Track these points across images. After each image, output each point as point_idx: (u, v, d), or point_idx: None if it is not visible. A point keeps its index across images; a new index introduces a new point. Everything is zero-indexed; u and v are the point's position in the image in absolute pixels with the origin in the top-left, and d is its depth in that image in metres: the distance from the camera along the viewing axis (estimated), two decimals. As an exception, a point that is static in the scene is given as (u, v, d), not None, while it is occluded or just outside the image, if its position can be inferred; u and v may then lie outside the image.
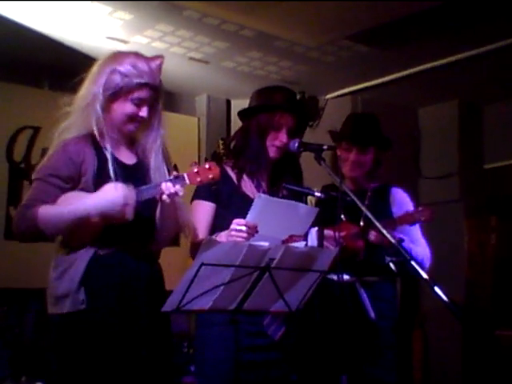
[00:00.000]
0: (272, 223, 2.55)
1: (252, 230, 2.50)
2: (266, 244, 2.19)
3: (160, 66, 2.50)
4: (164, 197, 2.37)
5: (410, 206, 3.31)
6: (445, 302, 2.13)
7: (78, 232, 2.36)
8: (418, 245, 3.25)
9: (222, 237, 2.57)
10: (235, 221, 2.53)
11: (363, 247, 3.08)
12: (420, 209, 3.07)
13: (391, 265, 2.95)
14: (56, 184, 2.39)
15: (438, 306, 2.22)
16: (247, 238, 2.49)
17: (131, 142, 2.59)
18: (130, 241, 2.43)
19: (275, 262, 2.18)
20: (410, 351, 5.39)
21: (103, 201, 2.31)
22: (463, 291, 5.37)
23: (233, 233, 2.51)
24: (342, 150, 3.30)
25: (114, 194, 2.31)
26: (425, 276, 2.27)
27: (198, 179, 2.40)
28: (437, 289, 2.16)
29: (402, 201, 3.33)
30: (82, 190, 2.40)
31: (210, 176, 2.41)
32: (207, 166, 2.41)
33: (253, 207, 2.54)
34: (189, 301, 2.13)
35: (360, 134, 3.28)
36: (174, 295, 2.12)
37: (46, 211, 2.34)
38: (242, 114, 2.90)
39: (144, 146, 2.56)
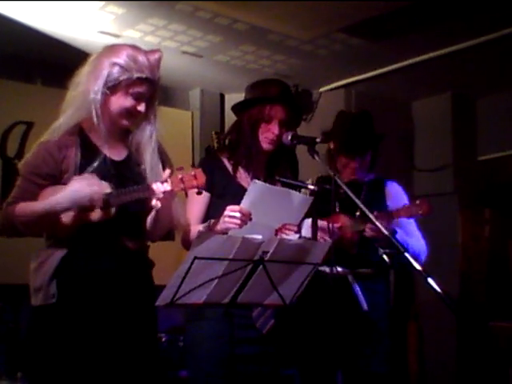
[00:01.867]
0: (266, 211, 2.55)
1: (246, 217, 2.50)
2: (259, 237, 2.19)
3: (159, 61, 2.48)
4: (154, 203, 2.37)
5: (405, 199, 3.32)
6: (438, 293, 2.14)
7: (55, 226, 2.35)
8: (414, 238, 3.25)
9: (215, 224, 2.57)
10: (229, 207, 2.52)
11: (357, 240, 3.08)
12: (418, 202, 3.04)
13: (385, 257, 2.95)
14: (36, 182, 2.42)
15: (432, 298, 2.22)
16: (240, 225, 2.49)
17: (123, 136, 2.57)
18: (112, 236, 2.41)
19: (269, 254, 2.18)
20: (405, 343, 5.40)
21: (69, 191, 2.30)
22: (457, 283, 5.39)
23: (226, 219, 2.51)
24: (341, 157, 3.31)
25: (77, 184, 2.31)
26: (418, 268, 2.28)
27: (182, 186, 2.36)
28: (430, 281, 2.16)
29: (397, 194, 3.34)
30: (66, 184, 2.37)
31: (195, 184, 2.36)
32: (193, 174, 2.37)
33: (247, 193, 2.54)
34: (182, 295, 2.13)
35: (357, 144, 3.27)
36: (168, 289, 2.12)
37: (20, 209, 2.38)
38: (234, 108, 2.91)
39: (139, 141, 2.54)
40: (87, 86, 2.42)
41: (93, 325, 2.37)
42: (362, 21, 4.19)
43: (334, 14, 4.12)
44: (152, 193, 2.35)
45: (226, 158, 2.84)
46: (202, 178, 2.37)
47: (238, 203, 2.55)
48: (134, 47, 2.50)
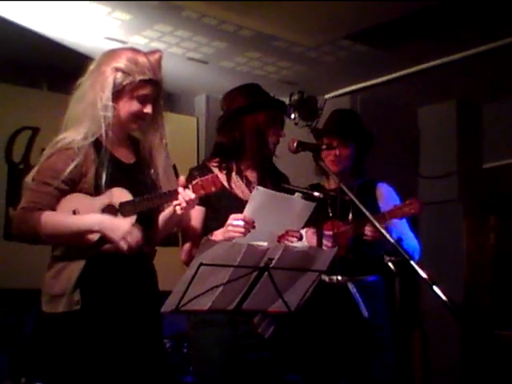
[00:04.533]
0: (269, 218, 2.55)
1: (249, 225, 2.50)
2: (265, 244, 2.19)
3: (159, 61, 2.48)
4: (178, 209, 2.41)
5: (396, 200, 3.31)
6: (444, 301, 2.13)
7: (80, 241, 2.36)
8: (407, 238, 3.25)
9: (218, 234, 2.57)
10: (232, 216, 2.52)
11: (351, 245, 3.08)
12: (408, 201, 3.04)
13: (390, 264, 2.95)
14: (57, 187, 2.37)
15: (437, 305, 2.22)
16: (244, 233, 2.49)
17: (131, 141, 2.58)
18: None
19: (274, 261, 2.18)
20: (410, 351, 5.39)
21: (106, 224, 2.32)
22: (462, 291, 5.37)
23: (230, 228, 2.51)
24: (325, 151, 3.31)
25: (119, 223, 2.32)
26: (424, 275, 2.27)
27: (202, 191, 2.42)
28: (436, 288, 2.16)
29: (388, 195, 3.34)
30: (82, 190, 2.39)
31: (213, 189, 2.43)
32: (210, 179, 2.43)
33: (250, 200, 2.54)
34: (188, 301, 2.13)
35: (340, 127, 3.30)
36: (173, 295, 2.12)
37: (48, 219, 2.33)
38: (237, 113, 2.83)
39: (151, 145, 2.54)
40: (95, 97, 2.40)
41: (115, 330, 2.37)
42: (367, 28, 4.19)
43: (339, 21, 4.12)
44: (177, 199, 2.39)
45: (215, 168, 2.82)
46: (218, 183, 2.44)
47: (234, 213, 2.54)
48: (133, 49, 2.50)
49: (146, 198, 2.38)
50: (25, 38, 4.30)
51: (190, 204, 2.41)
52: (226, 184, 2.77)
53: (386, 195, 3.34)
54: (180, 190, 2.39)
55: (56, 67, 4.73)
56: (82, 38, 4.35)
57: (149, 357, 2.45)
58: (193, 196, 2.39)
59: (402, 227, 3.24)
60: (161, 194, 2.42)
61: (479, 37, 4.33)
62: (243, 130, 2.80)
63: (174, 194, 2.40)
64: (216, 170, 2.79)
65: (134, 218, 2.37)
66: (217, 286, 2.15)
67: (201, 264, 2.06)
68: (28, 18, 4.07)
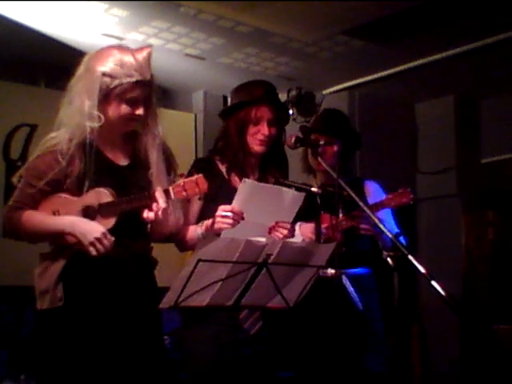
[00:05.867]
0: (258, 209, 2.55)
1: (238, 216, 2.51)
2: (263, 239, 2.19)
3: (148, 58, 2.41)
4: (145, 215, 2.36)
5: (383, 196, 3.33)
6: (442, 296, 2.14)
7: (59, 241, 2.38)
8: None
9: (208, 225, 2.58)
10: (221, 207, 2.53)
11: (343, 239, 3.09)
12: (400, 191, 3.05)
13: (388, 259, 2.96)
14: (41, 188, 2.40)
15: (435, 300, 2.22)
16: (233, 225, 2.50)
17: (126, 141, 2.55)
18: (117, 239, 2.36)
19: (272, 257, 2.18)
20: (409, 346, 5.39)
21: (78, 227, 2.32)
22: (460, 286, 5.38)
23: (218, 219, 2.51)
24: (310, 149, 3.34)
25: (90, 228, 2.31)
26: (422, 270, 2.28)
27: (184, 194, 2.36)
28: (434, 283, 2.16)
29: (376, 192, 3.37)
30: (67, 190, 2.39)
31: (197, 191, 2.35)
32: (195, 180, 2.35)
33: (238, 192, 2.54)
34: (186, 297, 2.14)
35: (327, 125, 3.34)
36: (172, 292, 2.12)
37: (27, 219, 2.39)
38: (222, 114, 2.91)
39: (145, 145, 2.51)
40: (81, 104, 2.38)
41: (100, 328, 2.37)
42: (364, 23, 4.19)
43: (337, 17, 4.12)
44: (156, 201, 2.35)
45: (219, 161, 2.84)
46: (203, 185, 2.35)
47: (231, 204, 2.55)
48: (120, 49, 2.43)
49: (126, 199, 2.35)
50: (22, 35, 4.30)
51: (164, 212, 2.34)
52: (225, 176, 2.80)
53: (374, 192, 3.37)
54: (157, 194, 2.32)
55: (53, 64, 4.72)
56: (80, 34, 4.35)
57: (142, 354, 2.44)
58: (164, 205, 2.32)
59: (387, 220, 3.26)
60: (140, 196, 2.36)
61: (477, 32, 4.33)
62: (227, 128, 2.83)
63: (152, 197, 2.34)
64: (219, 164, 2.82)
65: (113, 220, 2.35)
66: (215, 282, 2.15)
67: (199, 260, 2.06)
68: (25, 15, 4.07)
